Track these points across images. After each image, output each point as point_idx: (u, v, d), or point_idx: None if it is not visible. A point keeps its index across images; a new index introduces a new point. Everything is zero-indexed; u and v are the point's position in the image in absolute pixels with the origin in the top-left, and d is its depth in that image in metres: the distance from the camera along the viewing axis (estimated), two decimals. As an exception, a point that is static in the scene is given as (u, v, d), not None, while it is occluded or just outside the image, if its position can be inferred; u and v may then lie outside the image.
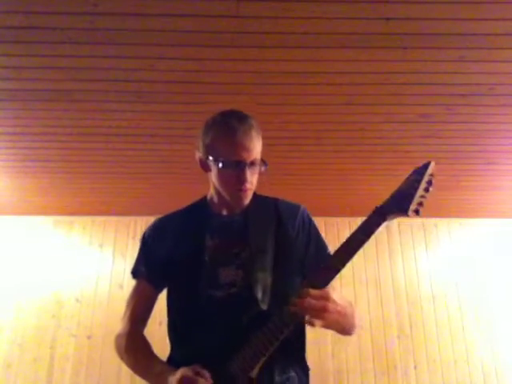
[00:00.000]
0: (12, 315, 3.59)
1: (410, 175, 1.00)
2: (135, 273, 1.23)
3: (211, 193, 1.23)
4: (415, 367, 3.47)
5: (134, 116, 2.42)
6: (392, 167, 2.97)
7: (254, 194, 1.21)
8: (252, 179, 1.14)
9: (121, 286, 3.65)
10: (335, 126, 2.52)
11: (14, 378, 3.39)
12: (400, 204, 0.95)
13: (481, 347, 3.54)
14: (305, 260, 1.16)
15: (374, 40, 1.87)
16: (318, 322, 0.89)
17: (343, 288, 3.58)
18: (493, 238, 3.91)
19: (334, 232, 3.77)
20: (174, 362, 1.08)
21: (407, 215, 0.93)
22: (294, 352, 1.10)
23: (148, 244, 1.23)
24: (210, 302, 1.08)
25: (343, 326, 1.01)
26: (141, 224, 3.82)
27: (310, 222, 1.23)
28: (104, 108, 2.34)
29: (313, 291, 0.89)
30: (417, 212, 0.94)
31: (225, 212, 1.20)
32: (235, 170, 1.09)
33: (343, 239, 0.93)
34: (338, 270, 0.92)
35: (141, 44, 1.89)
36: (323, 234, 1.23)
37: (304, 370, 1.13)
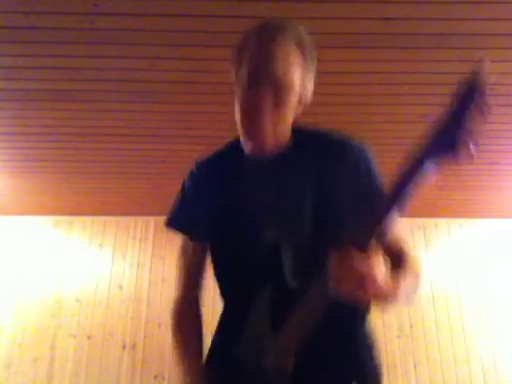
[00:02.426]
0: (12, 315, 3.58)
1: (451, 103, 0.63)
2: (170, 223, 1.02)
3: None
4: (415, 367, 3.47)
5: (134, 116, 2.41)
6: (392, 167, 2.96)
7: (293, 129, 0.95)
8: (274, 113, 0.80)
9: (120, 287, 3.64)
10: (335, 126, 2.52)
11: (13, 378, 3.39)
12: (441, 147, 0.62)
13: (481, 347, 3.53)
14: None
15: (374, 40, 1.87)
16: (346, 297, 0.69)
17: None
18: (493, 238, 3.90)
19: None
20: (219, 330, 0.95)
21: (457, 161, 0.59)
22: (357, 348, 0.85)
23: (187, 193, 1.01)
24: (248, 263, 0.88)
25: (384, 303, 0.79)
26: (141, 224, 3.76)
27: (368, 166, 0.91)
28: (104, 108, 2.34)
29: (354, 254, 0.66)
30: (471, 156, 0.58)
31: (251, 150, 0.92)
32: (247, 89, 0.79)
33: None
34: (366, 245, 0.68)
35: (141, 44, 1.89)
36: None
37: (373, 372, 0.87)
